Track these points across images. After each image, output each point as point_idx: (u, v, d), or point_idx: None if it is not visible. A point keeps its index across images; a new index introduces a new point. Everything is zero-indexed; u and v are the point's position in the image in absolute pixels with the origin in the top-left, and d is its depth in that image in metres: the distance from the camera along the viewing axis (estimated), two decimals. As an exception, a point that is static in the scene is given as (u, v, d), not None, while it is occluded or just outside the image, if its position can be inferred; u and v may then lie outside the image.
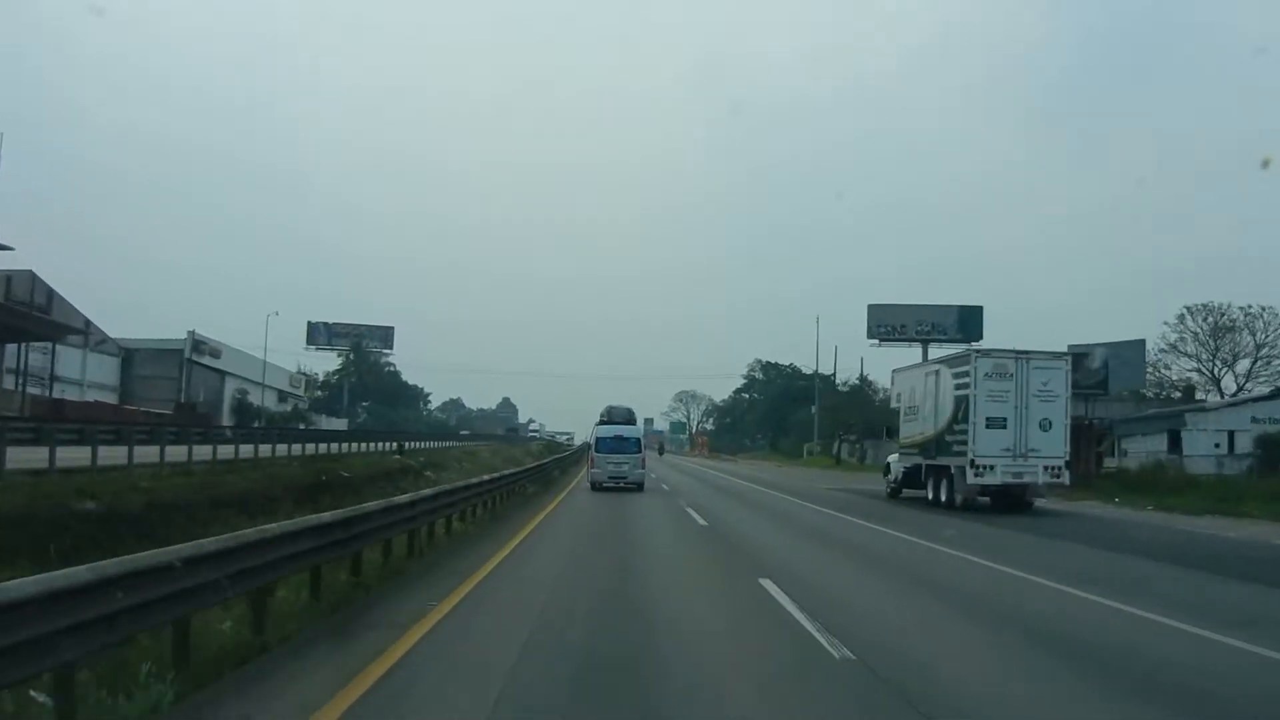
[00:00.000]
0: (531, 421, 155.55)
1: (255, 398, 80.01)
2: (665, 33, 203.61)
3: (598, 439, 32.78)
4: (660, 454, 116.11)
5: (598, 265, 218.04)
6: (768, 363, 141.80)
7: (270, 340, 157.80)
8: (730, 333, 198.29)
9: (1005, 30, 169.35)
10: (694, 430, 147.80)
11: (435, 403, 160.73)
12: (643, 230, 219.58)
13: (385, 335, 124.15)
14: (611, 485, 30.91)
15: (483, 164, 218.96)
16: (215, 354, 74.38)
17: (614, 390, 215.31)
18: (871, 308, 76.19)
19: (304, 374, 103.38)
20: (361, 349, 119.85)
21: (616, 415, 33.65)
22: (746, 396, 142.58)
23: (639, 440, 33.26)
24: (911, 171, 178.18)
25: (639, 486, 31.01)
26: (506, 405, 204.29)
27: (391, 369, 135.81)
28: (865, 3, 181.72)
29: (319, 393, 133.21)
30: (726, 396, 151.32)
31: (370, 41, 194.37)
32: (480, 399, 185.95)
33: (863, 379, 67.06)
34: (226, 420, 72.92)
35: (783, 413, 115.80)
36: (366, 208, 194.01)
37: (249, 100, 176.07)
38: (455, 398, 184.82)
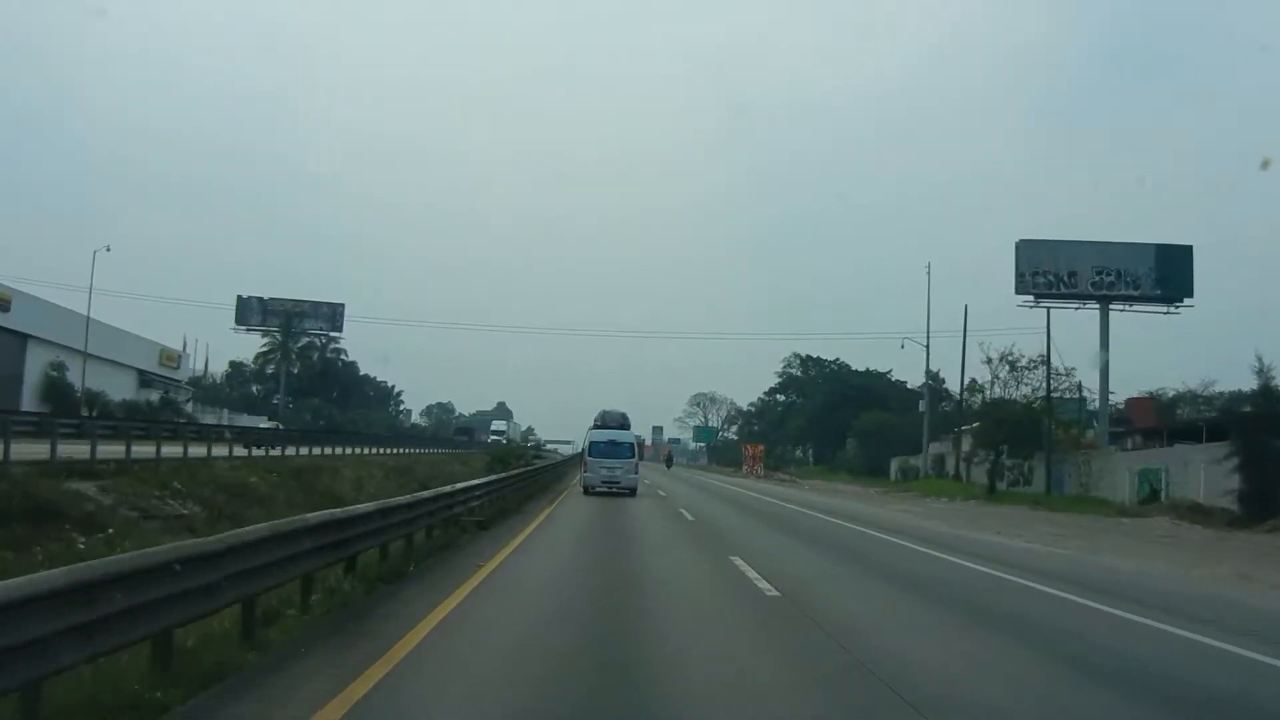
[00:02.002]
0: (497, 420, 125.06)
1: (103, 378, 53.74)
2: (687, 25, 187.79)
3: (591, 443, 32.60)
4: (668, 466, 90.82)
5: (603, 264, 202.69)
6: (809, 357, 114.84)
7: (194, 322, 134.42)
8: (756, 328, 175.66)
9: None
10: (719, 436, 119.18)
11: (418, 404, 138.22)
12: (651, 226, 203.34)
13: (332, 314, 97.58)
14: (604, 489, 30.42)
15: (490, 159, 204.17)
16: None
17: (622, 395, 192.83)
18: (1023, 245, 49.23)
19: (185, 353, 75.96)
20: (291, 327, 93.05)
21: (610, 420, 33.50)
22: (782, 399, 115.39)
23: (632, 445, 33.19)
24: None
25: (631, 491, 30.81)
26: (502, 411, 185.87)
27: (343, 358, 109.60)
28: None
29: (255, 387, 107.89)
30: (754, 399, 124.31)
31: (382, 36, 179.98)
32: (475, 403, 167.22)
33: (1046, 358, 39.77)
34: (30, 405, 46.73)
35: (837, 418, 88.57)
36: (365, 197, 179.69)
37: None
38: (444, 400, 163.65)
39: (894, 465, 60.42)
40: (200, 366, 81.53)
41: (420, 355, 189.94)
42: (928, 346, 50.76)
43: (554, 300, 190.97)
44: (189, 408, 66.89)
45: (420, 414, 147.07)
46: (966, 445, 46.63)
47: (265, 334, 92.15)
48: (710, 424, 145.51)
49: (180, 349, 72.42)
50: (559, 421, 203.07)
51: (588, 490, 30.69)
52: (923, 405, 51.63)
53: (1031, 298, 48.03)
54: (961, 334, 47.88)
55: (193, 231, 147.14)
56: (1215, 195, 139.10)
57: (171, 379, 68.80)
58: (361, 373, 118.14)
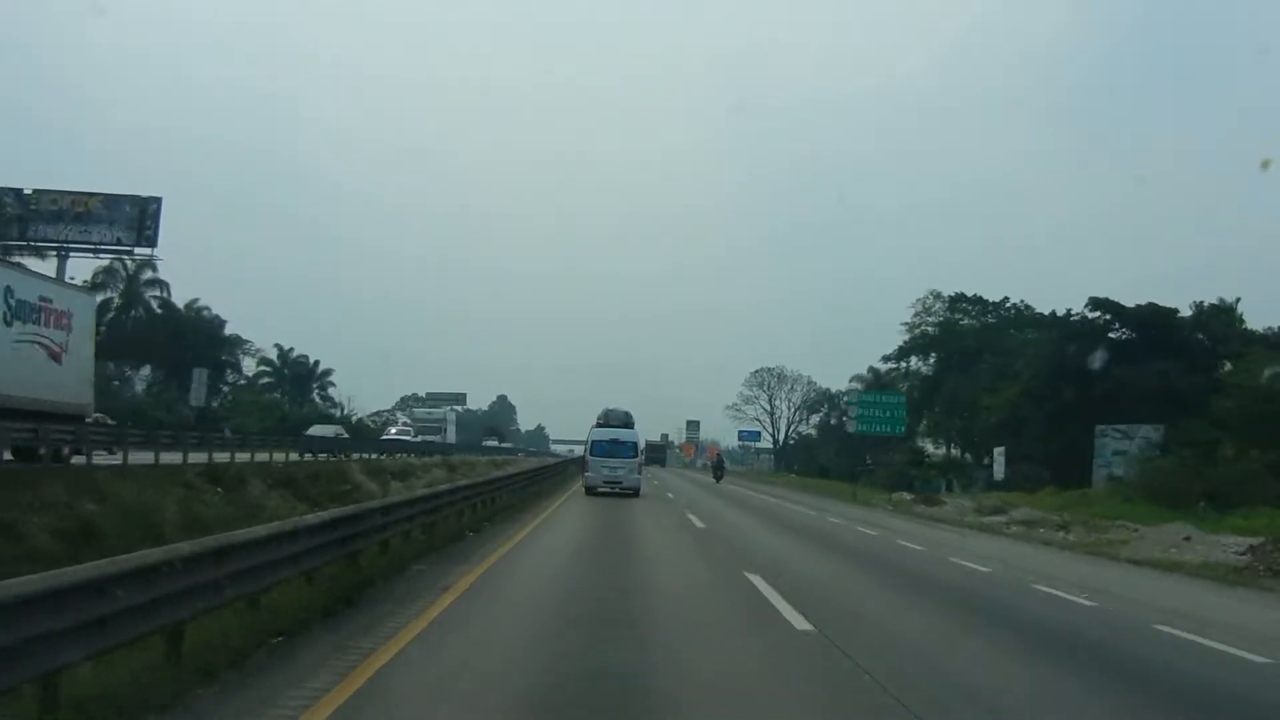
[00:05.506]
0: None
1: None
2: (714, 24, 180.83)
3: (593, 442, 32.04)
4: (717, 479, 58.59)
5: (610, 264, 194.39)
6: (960, 295, 68.48)
7: None
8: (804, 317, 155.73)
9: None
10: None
11: (394, 395, 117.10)
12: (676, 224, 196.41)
13: (140, 218, 53.43)
14: (606, 490, 30.21)
15: (499, 160, 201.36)
16: None
17: (654, 389, 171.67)
18: None
19: None
20: (22, 229, 48.22)
21: (613, 418, 32.90)
22: (919, 364, 68.82)
23: (635, 445, 32.75)
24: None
25: (635, 492, 30.72)
26: (502, 405, 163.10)
27: (168, 299, 64.78)
28: None
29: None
30: (863, 371, 76.89)
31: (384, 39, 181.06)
32: (476, 400, 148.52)
33: None
34: None
35: (1072, 400, 42.85)
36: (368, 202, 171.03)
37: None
38: (419, 393, 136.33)
39: None
40: None
41: (427, 350, 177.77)
42: None
43: (560, 300, 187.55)
44: None
45: (395, 406, 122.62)
46: None
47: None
48: (779, 413, 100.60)
49: None
50: (574, 420, 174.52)
51: (589, 490, 30.61)
52: None
53: None
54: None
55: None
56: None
57: None
58: (229, 333, 73.34)
